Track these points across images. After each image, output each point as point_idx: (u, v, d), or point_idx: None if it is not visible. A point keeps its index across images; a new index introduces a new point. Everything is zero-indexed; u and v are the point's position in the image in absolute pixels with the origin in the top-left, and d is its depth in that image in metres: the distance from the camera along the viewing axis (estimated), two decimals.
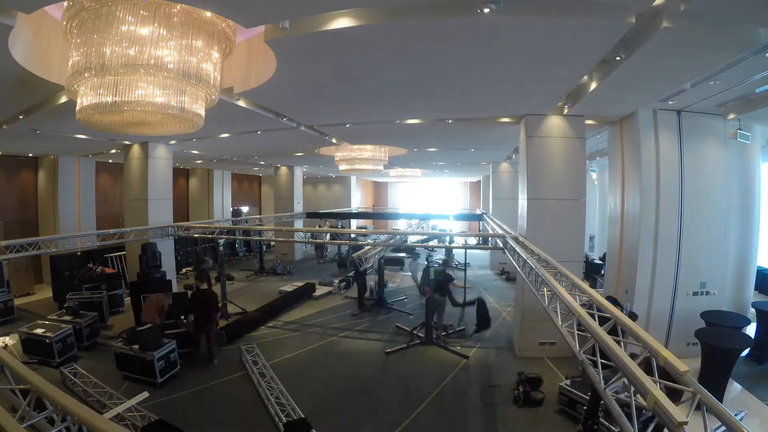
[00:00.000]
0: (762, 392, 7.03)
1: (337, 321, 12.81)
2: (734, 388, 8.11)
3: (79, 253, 14.86)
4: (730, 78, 6.86)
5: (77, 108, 5.18)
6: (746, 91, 7.74)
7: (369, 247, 11.92)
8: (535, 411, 7.42)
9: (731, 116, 9.22)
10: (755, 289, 11.05)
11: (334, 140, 13.68)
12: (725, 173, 9.52)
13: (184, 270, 18.64)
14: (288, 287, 16.07)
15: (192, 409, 7.52)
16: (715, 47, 5.47)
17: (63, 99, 8.00)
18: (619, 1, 4.73)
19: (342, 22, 4.96)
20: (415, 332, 11.27)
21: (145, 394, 7.17)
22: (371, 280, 15.29)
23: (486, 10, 4.48)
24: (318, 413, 7.23)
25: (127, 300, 13.01)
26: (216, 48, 5.34)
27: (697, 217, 9.29)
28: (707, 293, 9.39)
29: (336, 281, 17.22)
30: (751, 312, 10.07)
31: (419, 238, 19.51)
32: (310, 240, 22.95)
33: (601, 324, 3.84)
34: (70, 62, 4.92)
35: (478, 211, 24.63)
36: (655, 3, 4.60)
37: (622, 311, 4.13)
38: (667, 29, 4.78)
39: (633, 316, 8.11)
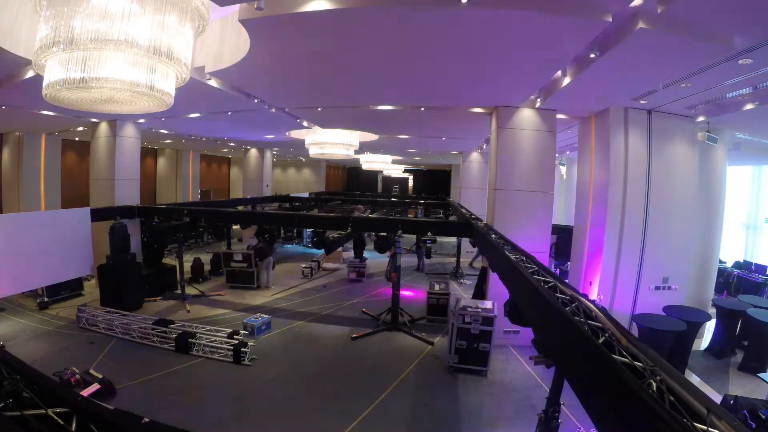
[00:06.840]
0: (719, 385, 7.27)
1: (305, 306, 12.75)
2: (693, 380, 8.37)
3: None
4: (702, 82, 6.97)
5: (44, 83, 4.98)
6: (717, 95, 7.89)
7: None
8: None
9: (701, 119, 9.42)
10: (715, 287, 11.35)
11: (305, 123, 13.55)
12: (691, 173, 9.75)
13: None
14: None
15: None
16: (690, 51, 5.56)
17: (30, 74, 7.75)
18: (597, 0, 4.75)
19: (318, 4, 4.88)
20: (380, 318, 11.33)
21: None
22: None
23: (464, 0, 4.46)
24: (284, 398, 7.27)
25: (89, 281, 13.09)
26: (189, 26, 5.19)
27: (661, 213, 9.50)
28: (669, 288, 9.63)
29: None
30: (711, 309, 10.39)
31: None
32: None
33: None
34: (39, 36, 4.73)
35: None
36: (633, 4, 4.65)
37: None
38: (642, 30, 4.83)
39: None
